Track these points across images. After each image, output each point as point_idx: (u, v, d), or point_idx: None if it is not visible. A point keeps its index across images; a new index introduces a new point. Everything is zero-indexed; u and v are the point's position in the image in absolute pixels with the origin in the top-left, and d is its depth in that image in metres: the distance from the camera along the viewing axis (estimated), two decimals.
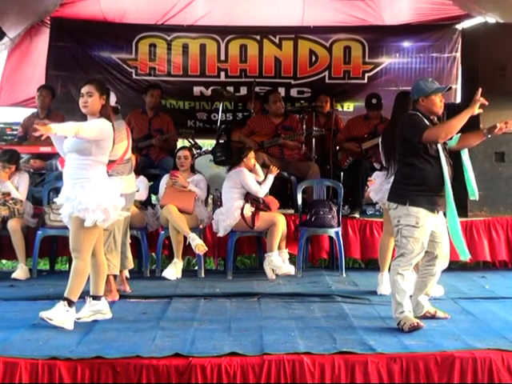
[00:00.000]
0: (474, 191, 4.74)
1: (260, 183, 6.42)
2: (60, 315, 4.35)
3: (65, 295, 4.42)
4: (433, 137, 4.40)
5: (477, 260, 6.74)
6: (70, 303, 4.40)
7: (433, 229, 4.51)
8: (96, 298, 4.61)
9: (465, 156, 4.75)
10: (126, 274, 5.64)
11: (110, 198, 4.41)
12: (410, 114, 4.60)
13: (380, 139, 5.66)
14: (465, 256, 4.53)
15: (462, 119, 4.43)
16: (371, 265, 6.99)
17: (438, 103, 4.53)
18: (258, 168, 6.53)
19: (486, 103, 4.45)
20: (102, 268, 4.65)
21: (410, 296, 4.59)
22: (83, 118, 4.52)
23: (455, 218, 4.46)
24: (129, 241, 5.63)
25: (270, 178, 6.46)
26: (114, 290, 5.24)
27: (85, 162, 4.39)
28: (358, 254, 6.80)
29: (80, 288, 4.45)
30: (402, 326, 4.37)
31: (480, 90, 4.46)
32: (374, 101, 7.48)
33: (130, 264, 5.60)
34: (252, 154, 6.46)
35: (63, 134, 4.32)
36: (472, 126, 6.79)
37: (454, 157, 4.82)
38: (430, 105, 4.52)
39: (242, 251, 6.99)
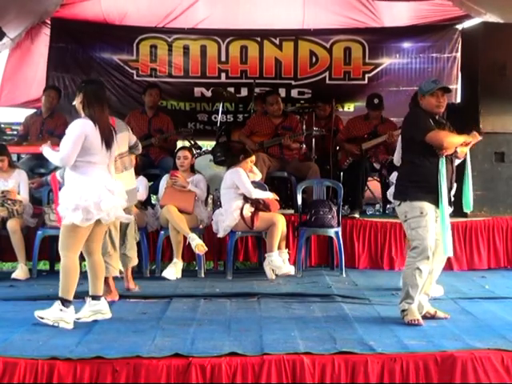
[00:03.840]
0: (468, 204, 4.82)
1: (256, 183, 6.41)
2: (53, 314, 4.39)
3: (58, 295, 4.45)
4: (437, 141, 4.49)
5: (475, 268, 6.73)
6: (64, 302, 4.41)
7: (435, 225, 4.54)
8: (95, 297, 4.61)
9: (467, 164, 4.79)
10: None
11: (91, 198, 4.37)
12: (413, 111, 4.72)
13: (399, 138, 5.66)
14: (446, 252, 4.54)
15: (460, 140, 4.57)
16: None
17: (434, 103, 4.57)
18: (254, 168, 6.53)
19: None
20: (100, 268, 4.65)
21: None
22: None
23: (444, 216, 4.47)
24: (134, 239, 5.60)
25: (269, 193, 6.44)
26: (113, 291, 5.24)
27: (74, 163, 4.46)
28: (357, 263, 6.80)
29: (71, 286, 4.44)
30: (403, 316, 4.43)
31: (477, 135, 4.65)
32: (376, 101, 7.51)
33: (133, 261, 5.58)
34: (252, 159, 6.42)
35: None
36: (472, 126, 6.82)
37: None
38: (426, 104, 4.60)
39: (242, 257, 6.94)
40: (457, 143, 4.56)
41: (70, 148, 4.41)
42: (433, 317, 4.66)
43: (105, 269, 4.76)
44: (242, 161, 6.34)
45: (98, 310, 4.58)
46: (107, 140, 4.51)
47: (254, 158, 6.48)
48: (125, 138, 5.31)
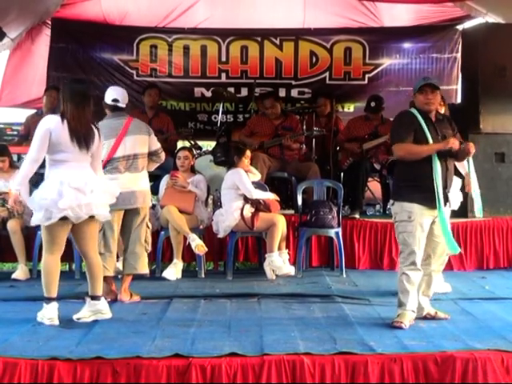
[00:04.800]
0: (480, 209, 4.82)
1: (256, 184, 6.41)
2: (39, 313, 4.48)
3: None
4: (396, 153, 4.58)
5: (476, 267, 6.74)
6: (45, 300, 4.48)
7: (432, 226, 4.53)
8: (94, 298, 4.61)
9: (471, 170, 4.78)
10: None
11: (50, 195, 4.34)
12: (399, 113, 4.78)
13: None
14: (455, 250, 4.53)
15: (429, 150, 4.49)
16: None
17: (422, 100, 4.56)
18: (253, 169, 6.53)
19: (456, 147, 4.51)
20: (95, 268, 4.62)
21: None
22: None
23: (443, 214, 4.46)
24: (141, 246, 5.28)
25: (269, 194, 6.44)
26: (114, 291, 5.24)
27: (47, 161, 4.49)
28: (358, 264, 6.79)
29: (49, 284, 4.46)
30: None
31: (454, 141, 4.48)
32: (372, 104, 7.51)
33: (133, 269, 5.30)
34: (247, 155, 6.39)
35: (23, 182, 4.45)
36: (472, 126, 6.84)
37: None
38: (417, 102, 4.61)
39: (243, 257, 6.93)
40: (424, 152, 4.46)
41: (35, 146, 4.40)
42: (433, 318, 4.67)
43: (101, 268, 4.69)
44: (238, 161, 6.33)
45: (97, 309, 4.59)
46: (79, 137, 4.42)
47: (248, 153, 6.41)
48: (141, 141, 5.25)
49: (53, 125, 4.42)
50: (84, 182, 4.42)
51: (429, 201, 4.46)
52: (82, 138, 4.44)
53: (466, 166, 5.02)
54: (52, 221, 4.37)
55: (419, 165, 4.47)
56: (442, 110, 5.25)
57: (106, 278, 4.97)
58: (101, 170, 4.75)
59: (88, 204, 4.42)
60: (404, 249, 4.54)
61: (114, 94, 5.31)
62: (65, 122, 4.42)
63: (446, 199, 4.56)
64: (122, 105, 5.28)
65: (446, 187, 4.54)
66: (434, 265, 4.66)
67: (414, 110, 4.60)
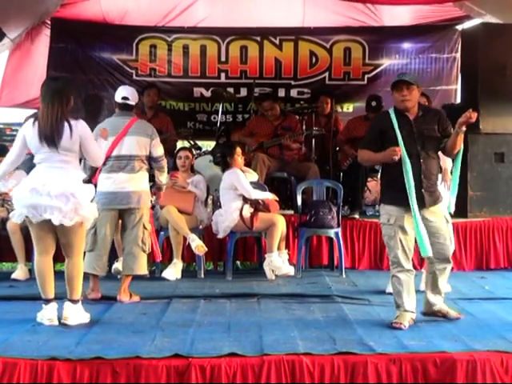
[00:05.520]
0: (449, 205, 4.73)
1: (256, 184, 6.40)
2: (39, 313, 4.49)
3: None
4: (358, 156, 4.80)
5: (476, 267, 6.75)
6: (43, 301, 4.48)
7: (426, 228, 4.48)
8: (70, 301, 4.54)
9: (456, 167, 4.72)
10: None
11: (15, 195, 4.44)
12: (375, 115, 4.98)
13: None
14: (425, 253, 4.44)
15: (377, 160, 4.69)
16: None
17: (397, 98, 4.50)
18: (248, 169, 6.52)
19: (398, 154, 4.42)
20: (70, 272, 4.53)
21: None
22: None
23: (415, 214, 4.40)
24: (138, 247, 5.24)
25: (268, 194, 6.43)
26: (95, 290, 5.21)
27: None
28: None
29: (41, 286, 4.48)
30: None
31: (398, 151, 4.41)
32: (373, 103, 7.51)
33: (129, 270, 5.28)
34: (238, 152, 6.38)
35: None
36: (472, 126, 6.81)
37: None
38: (394, 100, 4.57)
39: (242, 257, 6.95)
40: (372, 160, 4.79)
41: (13, 149, 4.50)
42: (444, 316, 4.63)
43: (77, 273, 4.55)
44: (231, 161, 6.32)
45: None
46: (47, 136, 4.35)
47: (239, 150, 6.40)
48: (140, 143, 5.23)
49: (26, 129, 4.46)
50: (42, 184, 4.33)
51: (406, 201, 4.41)
52: (50, 136, 4.36)
53: (450, 163, 4.92)
54: (20, 218, 4.47)
55: (395, 165, 4.43)
56: None
57: (93, 276, 5.13)
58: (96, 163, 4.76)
59: (41, 205, 4.32)
60: (389, 252, 4.56)
61: (124, 92, 5.34)
62: (36, 123, 4.41)
63: (423, 199, 4.44)
64: (131, 102, 5.30)
65: (421, 187, 4.45)
66: (438, 263, 4.60)
67: (390, 110, 4.58)
